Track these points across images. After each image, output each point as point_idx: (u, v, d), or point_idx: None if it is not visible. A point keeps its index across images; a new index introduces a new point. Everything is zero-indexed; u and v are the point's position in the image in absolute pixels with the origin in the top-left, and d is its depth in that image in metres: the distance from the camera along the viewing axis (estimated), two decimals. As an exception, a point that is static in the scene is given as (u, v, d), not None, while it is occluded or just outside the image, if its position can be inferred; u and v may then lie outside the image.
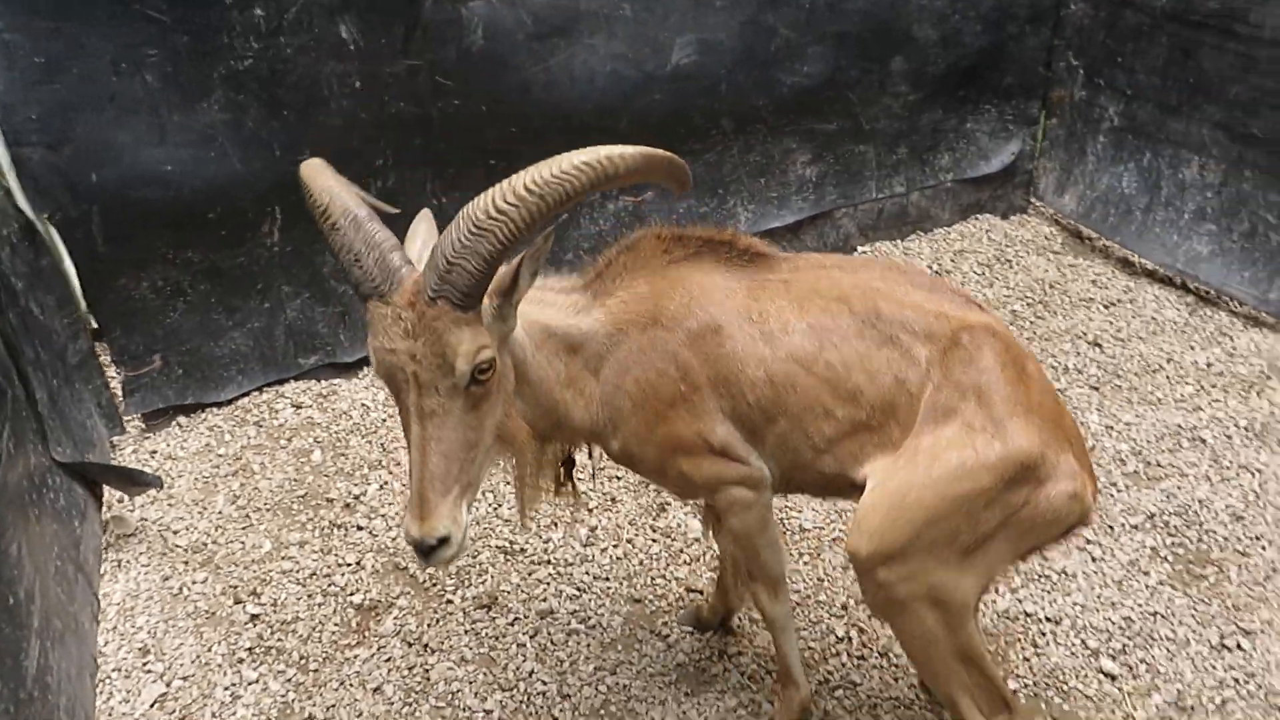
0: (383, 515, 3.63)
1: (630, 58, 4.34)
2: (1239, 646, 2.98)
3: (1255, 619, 3.06)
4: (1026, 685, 2.91)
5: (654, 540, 3.52)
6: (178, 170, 3.75)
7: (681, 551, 3.47)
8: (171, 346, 4.03)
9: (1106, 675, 2.93)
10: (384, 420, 4.11)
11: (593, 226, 4.64)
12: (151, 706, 2.94)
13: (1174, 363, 4.31)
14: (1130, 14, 4.80)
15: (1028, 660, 2.99)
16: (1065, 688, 2.90)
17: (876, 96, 4.95)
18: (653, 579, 3.36)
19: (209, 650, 3.11)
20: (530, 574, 3.38)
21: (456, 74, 4.08)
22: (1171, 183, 4.82)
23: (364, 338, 4.31)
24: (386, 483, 3.78)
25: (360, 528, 3.58)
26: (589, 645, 3.11)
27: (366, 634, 3.18)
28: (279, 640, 3.15)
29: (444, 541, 1.94)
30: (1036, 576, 3.27)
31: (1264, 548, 3.33)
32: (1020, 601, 3.18)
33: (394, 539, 3.52)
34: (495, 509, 3.65)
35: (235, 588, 3.34)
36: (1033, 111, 5.39)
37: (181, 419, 4.14)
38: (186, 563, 3.45)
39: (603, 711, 2.90)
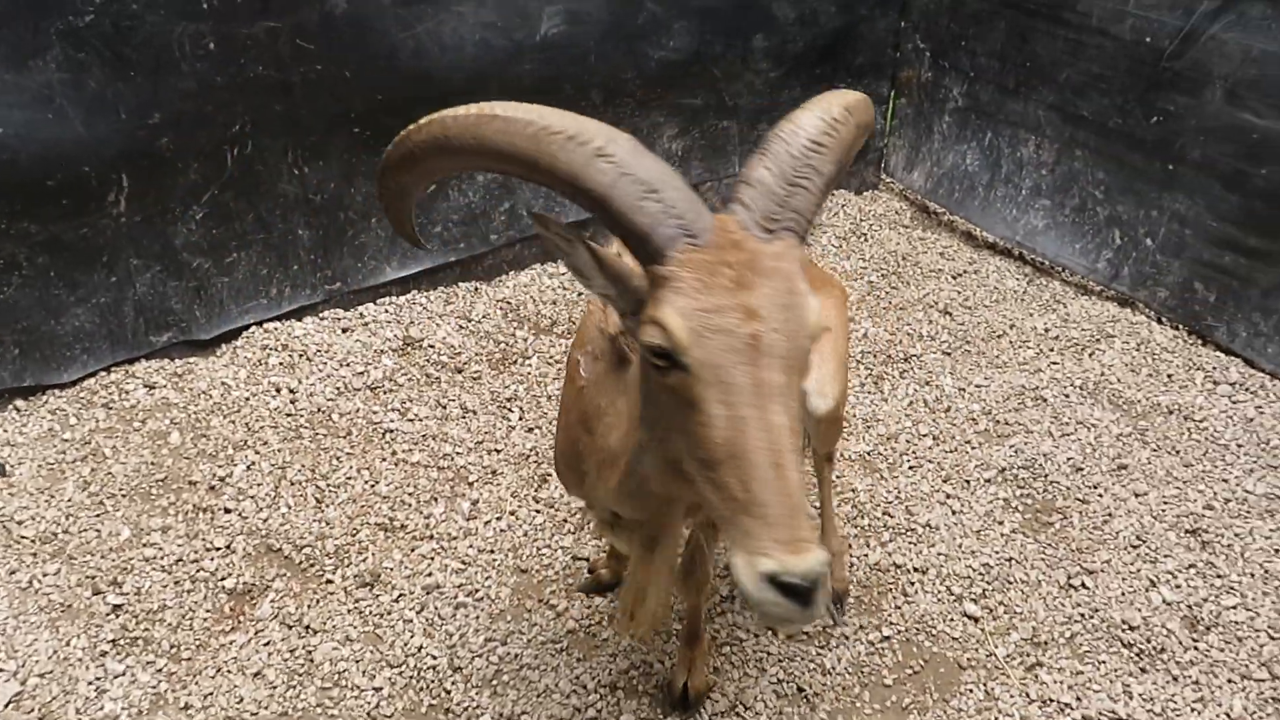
0: (252, 497, 3.49)
1: (500, 26, 4.28)
2: (1083, 585, 3.24)
3: (1096, 560, 3.33)
4: (900, 631, 3.08)
5: (537, 511, 3.52)
6: (11, 134, 3.46)
7: (565, 521, 3.49)
8: (6, 324, 3.73)
9: (970, 618, 3.13)
10: (247, 399, 3.94)
11: (462, 199, 4.56)
12: (6, 707, 2.74)
13: (1016, 328, 4.62)
14: (972, 0, 5.08)
15: (899, 608, 3.16)
16: (934, 631, 3.09)
17: (739, 73, 5.05)
18: (538, 549, 3.37)
19: (67, 644, 2.92)
20: (413, 550, 3.33)
21: (319, 38, 3.93)
22: (1010, 161, 5.14)
23: (221, 312, 4.14)
24: (254, 463, 3.63)
25: (228, 510, 3.43)
26: (478, 617, 3.09)
27: (242, 619, 3.06)
28: (145, 630, 2.99)
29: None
30: (904, 530, 3.45)
31: (1101, 495, 3.62)
32: (890, 554, 3.35)
33: (265, 521, 3.39)
34: (372, 485, 3.57)
35: (93, 578, 3.14)
36: (883, 91, 5.63)
37: (19, 402, 3.84)
38: (35, 554, 3.22)
39: (495, 682, 2.89)
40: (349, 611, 3.10)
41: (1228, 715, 2.81)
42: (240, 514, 3.42)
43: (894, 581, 3.26)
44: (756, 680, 2.91)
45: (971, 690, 2.90)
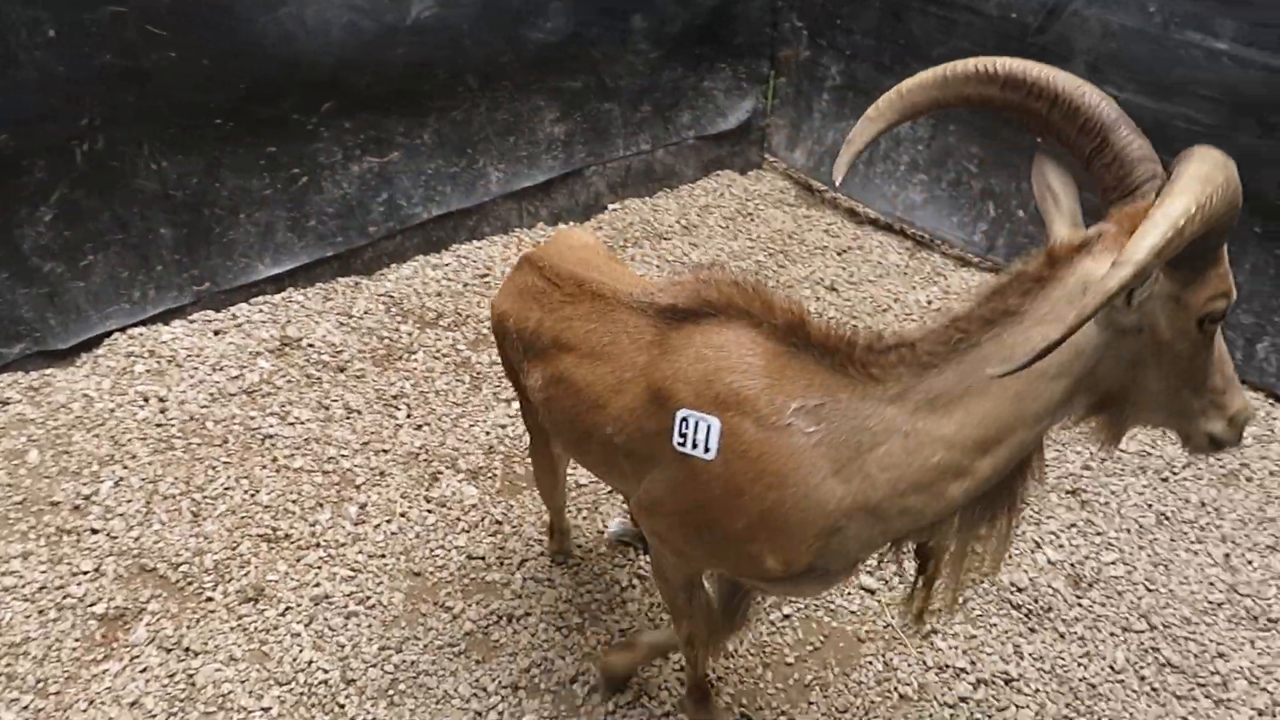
0: (121, 515, 3.28)
1: (368, 9, 4.11)
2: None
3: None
4: (799, 609, 3.09)
5: (429, 511, 3.42)
6: None
7: (459, 520, 3.39)
8: None
9: (866, 590, 3.17)
10: (112, 410, 3.70)
11: (336, 190, 4.39)
12: None
13: (900, 302, 4.70)
14: (846, -22, 5.13)
15: (798, 586, 3.18)
16: (832, 606, 3.11)
17: (619, 54, 4.99)
18: (431, 551, 3.27)
19: (-82, 688, 2.70)
20: (299, 560, 3.19)
21: (171, 23, 3.70)
22: (888, 138, 5.22)
23: (79, 319, 3.88)
24: (122, 479, 3.42)
25: (95, 531, 3.22)
26: (370, 626, 2.98)
27: (115, 645, 2.88)
28: (8, 665, 2.78)
29: None
30: (799, 508, 3.47)
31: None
32: (787, 532, 3.37)
33: (137, 539, 3.20)
34: (253, 495, 3.40)
35: (-55, 613, 2.91)
36: (763, 70, 5.65)
37: None
38: (-123, 592, 2.97)
39: (391, 692, 2.79)
40: (232, 629, 2.94)
41: (1111, 667, 2.92)
42: (109, 534, 3.22)
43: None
44: (660, 669, 2.88)
45: (871, 662, 2.94)
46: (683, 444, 1.88)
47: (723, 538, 1.93)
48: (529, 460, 3.63)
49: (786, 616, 3.07)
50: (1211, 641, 2.99)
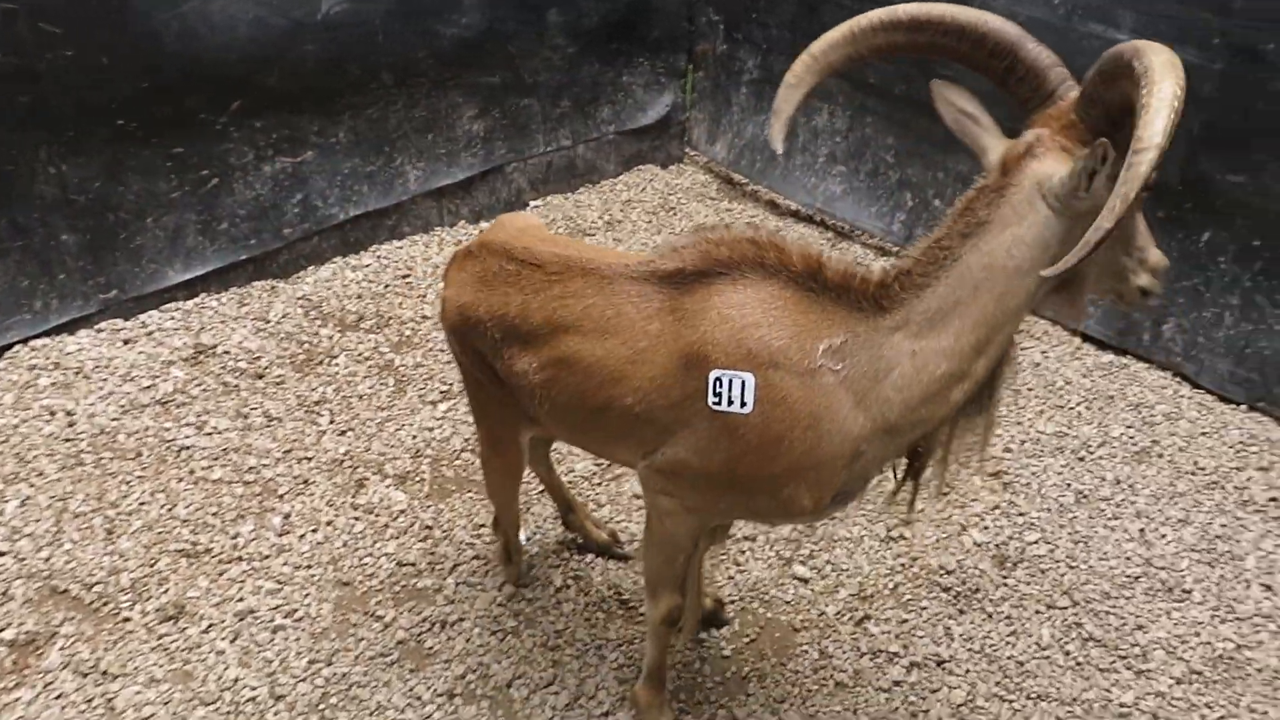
0: (29, 535, 3.14)
1: (275, 4, 4.00)
2: (901, 536, 3.37)
3: (911, 510, 3.47)
4: (735, 600, 3.10)
5: (356, 519, 3.34)
6: None
7: (387, 526, 3.32)
8: None
9: (800, 580, 3.20)
10: (16, 426, 3.54)
11: (248, 192, 4.26)
12: None
13: (823, 293, 4.75)
14: (760, -28, 5.16)
15: (732, 578, 3.19)
16: (767, 596, 3.13)
17: (536, 49, 4.95)
18: (359, 559, 3.20)
19: None
20: (221, 574, 3.09)
21: (64, 20, 3.54)
22: (806, 130, 5.28)
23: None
24: (29, 498, 3.27)
25: (2, 553, 3.07)
26: (298, 639, 2.90)
27: (27, 672, 2.75)
28: (-91, 700, 2.64)
29: None
30: (731, 500, 3.49)
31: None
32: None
33: (47, 560, 3.06)
34: (170, 509, 3.28)
35: None
36: (680, 65, 5.66)
37: None
38: None
39: (322, 706, 2.72)
40: (152, 650, 2.84)
41: (1038, 644, 2.99)
42: (16, 555, 3.07)
43: (725, 553, 3.29)
44: (597, 668, 2.86)
45: (806, 651, 2.96)
46: (718, 403, 1.94)
47: (757, 485, 2.02)
48: (458, 464, 3.59)
49: (725, 603, 3.07)
50: (1130, 614, 3.09)
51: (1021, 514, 3.47)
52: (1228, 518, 3.47)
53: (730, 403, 1.94)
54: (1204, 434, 3.85)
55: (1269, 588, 3.20)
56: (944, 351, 1.88)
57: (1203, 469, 3.69)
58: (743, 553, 3.29)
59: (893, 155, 4.94)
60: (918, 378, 1.89)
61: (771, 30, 5.22)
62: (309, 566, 3.14)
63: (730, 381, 1.93)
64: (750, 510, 2.22)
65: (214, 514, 3.31)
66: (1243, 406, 3.99)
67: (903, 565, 3.26)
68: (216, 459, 3.52)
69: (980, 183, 1.89)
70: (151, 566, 3.09)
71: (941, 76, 2.06)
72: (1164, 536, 3.39)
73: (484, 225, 5.09)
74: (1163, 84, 1.59)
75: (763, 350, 1.92)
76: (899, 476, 2.25)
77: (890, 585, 3.19)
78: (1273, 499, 3.55)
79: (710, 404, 1.95)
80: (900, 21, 1.91)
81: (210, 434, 3.63)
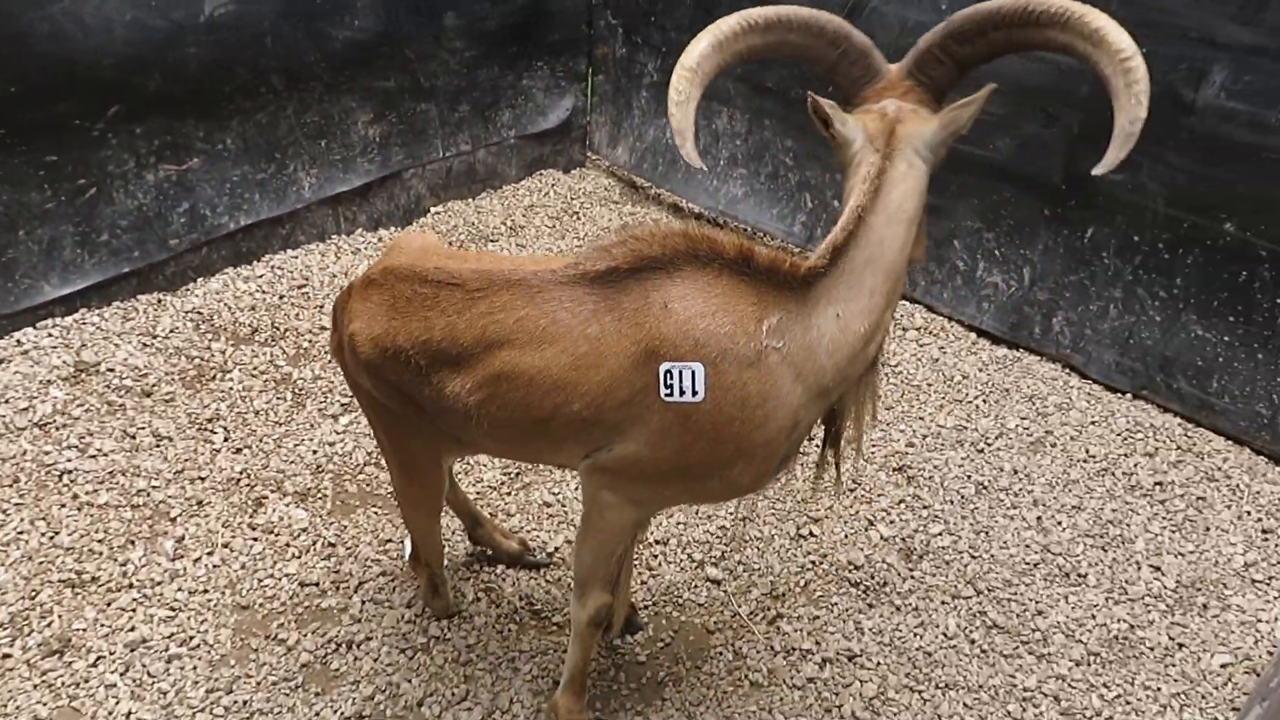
0: (-107, 571, 2.93)
1: (154, 5, 3.82)
2: (811, 534, 3.41)
3: (820, 507, 3.51)
4: (648, 605, 3.09)
5: (254, 539, 3.21)
6: None
7: (288, 545, 3.21)
8: None
9: (712, 581, 3.20)
10: (-124, 455, 3.31)
11: (130, 201, 4.06)
12: None
13: (727, 294, 4.78)
14: (657, -24, 5.17)
15: (645, 583, 3.18)
16: (680, 600, 3.13)
17: (433, 52, 4.86)
18: (259, 581, 3.07)
19: None
20: (109, 604, 2.93)
21: (-78, 21, 3.33)
22: (707, 133, 5.31)
23: None
24: (-108, 531, 3.05)
25: None
26: (195, 668, 2.77)
27: (-107, 720, 2.56)
28: None
29: None
30: (642, 505, 3.47)
31: (817, 445, 3.82)
32: (631, 530, 3.36)
33: (-85, 597, 2.86)
34: (52, 537, 3.11)
35: None
36: (580, 68, 5.63)
37: None
38: None
39: (223, 736, 2.61)
40: (35, 687, 2.67)
41: (944, 634, 3.06)
42: (-121, 594, 2.86)
43: (637, 556, 3.27)
44: (511, 681, 2.81)
45: (721, 652, 2.96)
46: (670, 394, 1.99)
47: (708, 469, 2.08)
48: (361, 478, 3.50)
49: (635, 611, 3.06)
50: (1031, 600, 3.19)
51: (925, 506, 3.55)
52: (1118, 503, 3.61)
53: (682, 393, 1.98)
54: (1094, 423, 4.00)
55: (1157, 569, 3.34)
56: (863, 310, 2.00)
57: (1094, 456, 3.83)
58: (655, 557, 3.28)
59: (792, 158, 5.01)
60: (845, 339, 2.01)
61: (670, 33, 5.24)
62: (205, 591, 3.01)
63: (680, 373, 1.98)
64: (697, 494, 2.26)
65: (100, 540, 3.14)
66: (1128, 395, 4.16)
67: (813, 563, 3.29)
68: (102, 482, 3.35)
69: (858, 153, 2.04)
70: (33, 599, 2.91)
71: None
72: (1060, 523, 3.51)
73: (383, 233, 4.98)
74: (1120, 37, 1.87)
75: (710, 338, 1.97)
76: (822, 445, 2.36)
77: (801, 583, 3.22)
78: (1158, 483, 3.71)
79: (663, 397, 2.00)
80: (755, 24, 2.11)
81: (95, 456, 3.45)
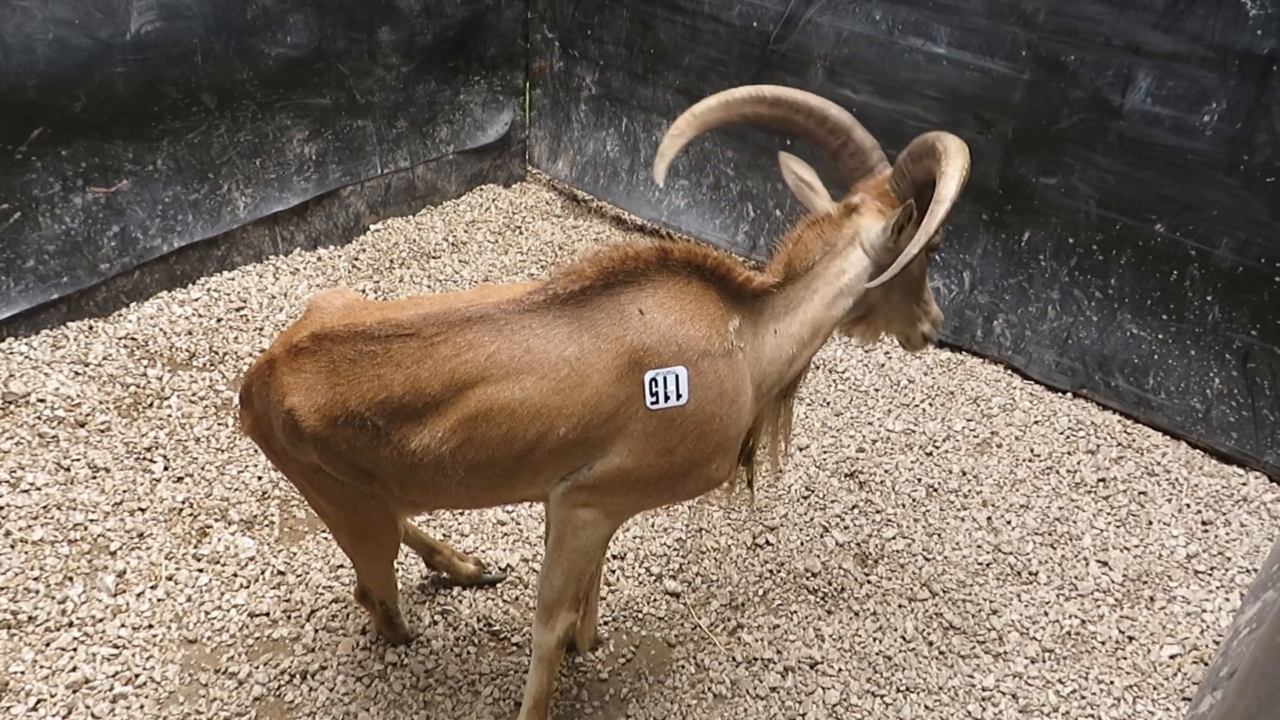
0: None
1: (78, 24, 3.71)
2: (768, 542, 3.42)
3: (775, 516, 3.53)
4: (608, 622, 3.06)
5: (200, 570, 3.12)
6: None
7: (235, 575, 3.12)
8: None
9: (671, 595, 3.19)
10: None
11: (57, 226, 3.92)
12: None
13: (674, 306, 4.78)
14: (593, -11, 5.17)
15: (604, 599, 3.15)
16: (640, 614, 3.11)
17: (369, 68, 4.79)
18: (206, 614, 2.98)
19: None
20: (48, 644, 2.81)
21: None
22: (647, 144, 5.32)
23: None
24: None
25: None
26: (142, 707, 2.68)
27: None
28: None
29: None
30: (598, 520, 3.45)
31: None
32: (588, 546, 3.33)
33: None
34: (-17, 578, 2.98)
35: None
36: (518, 82, 5.61)
37: None
38: None
39: (174, 777, 2.51)
40: (-30, 737, 2.55)
41: (903, 637, 3.08)
42: None
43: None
44: (472, 704, 2.76)
45: (683, 666, 2.95)
46: (655, 401, 2.08)
47: (689, 468, 2.19)
48: (307, 505, 3.41)
49: (602, 622, 3.03)
50: (985, 600, 3.23)
51: (879, 511, 3.58)
52: (1064, 500, 3.69)
53: (667, 398, 2.08)
54: (1037, 423, 4.09)
55: (1105, 564, 3.42)
56: (792, 336, 2.28)
57: (1038, 455, 3.91)
58: (613, 572, 3.26)
59: (733, 168, 5.04)
60: (779, 355, 2.28)
61: (607, 46, 5.24)
62: (150, 626, 2.91)
63: (665, 378, 2.07)
64: (676, 495, 2.31)
65: (36, 578, 3.02)
66: (1068, 394, 4.26)
67: (770, 571, 3.30)
68: (36, 517, 3.22)
69: (820, 215, 2.36)
70: (-36, 643, 2.78)
71: (785, 148, 2.62)
72: (1009, 523, 3.57)
73: (321, 252, 4.88)
74: (956, 159, 2.07)
75: (688, 342, 2.09)
76: (737, 459, 2.44)
77: (760, 592, 3.22)
78: (1101, 479, 3.80)
79: (649, 405, 2.08)
80: (765, 98, 2.37)
81: (27, 490, 3.31)
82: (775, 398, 2.40)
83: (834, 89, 4.43)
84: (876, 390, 4.24)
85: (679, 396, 2.07)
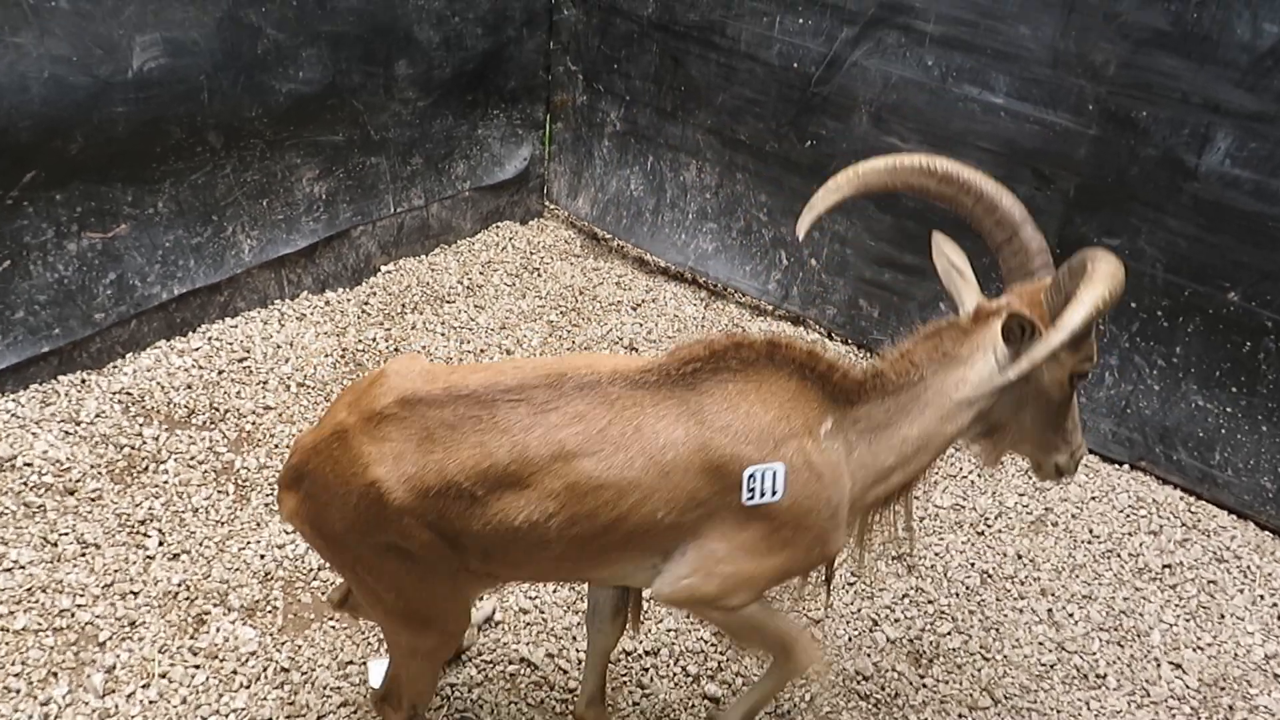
0: None
1: (76, 61, 3.45)
2: (812, 637, 3.15)
3: (817, 605, 3.26)
4: (644, 735, 2.80)
5: (196, 667, 2.85)
6: None
7: (235, 673, 2.85)
8: None
9: (711, 699, 2.92)
10: None
11: (49, 274, 3.66)
12: None
13: (702, 359, 4.53)
14: (620, 21, 4.92)
15: (637, 704, 2.89)
16: (677, 723, 2.85)
17: (384, 103, 4.53)
18: (203, 718, 2.71)
19: None
20: (27, 759, 2.55)
21: None
22: (674, 185, 5.07)
23: None
24: None
25: None
26: (130, 836, 2.41)
27: None
28: None
29: None
30: (629, 609, 3.18)
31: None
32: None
33: None
34: (-42, 678, 2.70)
35: None
36: (539, 116, 5.36)
37: None
38: None
39: None
40: None
41: (965, 753, 2.82)
42: None
43: (627, 671, 2.98)
44: None
45: (726, 785, 2.68)
46: (751, 498, 2.05)
47: (795, 544, 2.13)
48: (315, 585, 3.16)
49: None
50: (1051, 709, 2.97)
51: (930, 601, 3.32)
52: (1128, 589, 3.43)
53: (763, 495, 2.05)
54: (1094, 499, 3.83)
55: (1177, 665, 3.16)
56: (892, 447, 2.18)
57: (1097, 536, 3.65)
58: (645, 670, 2.99)
59: (765, 213, 4.78)
60: (873, 463, 2.18)
61: (634, 81, 4.99)
62: (140, 735, 2.64)
63: (763, 474, 2.04)
64: (791, 568, 2.23)
65: (16, 675, 2.75)
66: (1126, 466, 3.99)
67: (817, 673, 3.03)
68: (19, 602, 2.96)
69: (952, 319, 2.22)
70: (-66, 758, 2.52)
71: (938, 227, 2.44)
72: (1071, 615, 3.31)
73: (330, 295, 4.62)
74: (1098, 284, 1.89)
75: (787, 436, 2.06)
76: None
77: (807, 697, 2.95)
78: (1166, 565, 3.54)
79: (745, 500, 2.05)
80: (935, 172, 2.23)
81: (9, 570, 3.05)
82: (871, 506, 2.33)
83: (880, 136, 4.18)
84: (922, 460, 3.97)
85: (774, 493, 2.04)
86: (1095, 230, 3.78)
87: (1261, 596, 3.44)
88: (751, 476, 2.02)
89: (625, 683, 2.94)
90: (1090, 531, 3.67)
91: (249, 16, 3.89)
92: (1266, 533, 3.72)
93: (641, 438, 2.02)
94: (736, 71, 4.58)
